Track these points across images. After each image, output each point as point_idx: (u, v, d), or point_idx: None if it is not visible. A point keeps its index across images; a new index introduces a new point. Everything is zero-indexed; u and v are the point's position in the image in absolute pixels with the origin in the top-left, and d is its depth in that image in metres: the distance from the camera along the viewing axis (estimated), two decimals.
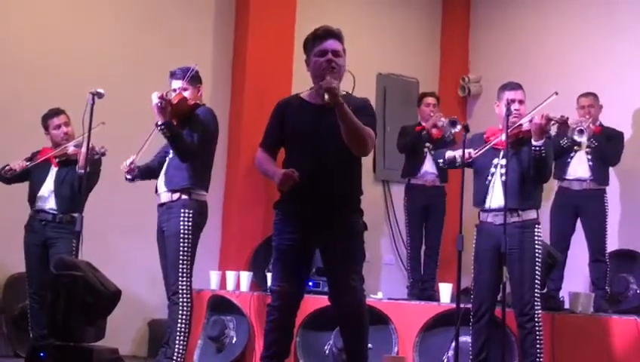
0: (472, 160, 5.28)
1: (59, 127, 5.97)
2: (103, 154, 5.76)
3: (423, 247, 7.52)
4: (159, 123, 5.11)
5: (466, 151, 5.20)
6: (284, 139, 4.40)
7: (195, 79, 5.44)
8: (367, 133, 4.22)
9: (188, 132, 5.24)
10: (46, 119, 6.02)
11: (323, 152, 4.23)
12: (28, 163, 5.92)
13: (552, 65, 8.20)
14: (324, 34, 4.30)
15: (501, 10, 9.09)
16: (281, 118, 4.42)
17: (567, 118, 5.06)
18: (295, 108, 4.40)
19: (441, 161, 5.49)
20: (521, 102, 5.23)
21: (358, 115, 4.19)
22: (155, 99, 5.09)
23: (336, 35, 4.33)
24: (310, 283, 6.43)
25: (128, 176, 5.47)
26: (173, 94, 5.25)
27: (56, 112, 6.00)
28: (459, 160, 5.25)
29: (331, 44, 4.29)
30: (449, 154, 5.36)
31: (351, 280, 4.30)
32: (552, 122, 5.03)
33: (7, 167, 5.91)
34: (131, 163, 5.43)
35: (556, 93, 4.98)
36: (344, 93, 4.27)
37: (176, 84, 5.37)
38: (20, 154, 6.20)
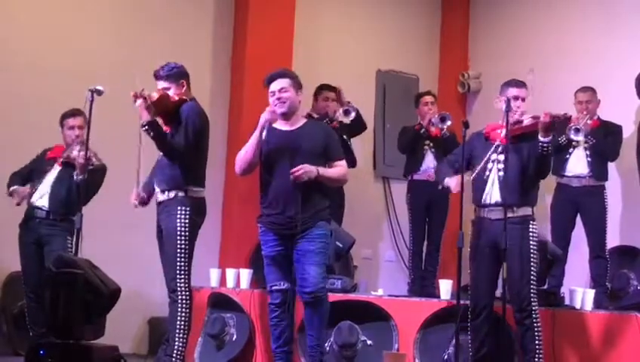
0: (470, 160, 5.35)
1: (72, 128, 5.98)
2: (92, 165, 5.74)
3: (425, 243, 7.53)
4: (142, 123, 5.10)
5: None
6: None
7: (176, 75, 5.38)
8: (341, 175, 5.27)
9: (174, 129, 5.21)
10: (63, 118, 6.05)
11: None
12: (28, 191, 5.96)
13: (552, 61, 8.19)
14: (269, 79, 5.25)
15: (501, 7, 9.08)
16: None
17: (571, 116, 5.07)
18: (269, 135, 5.15)
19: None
20: (523, 99, 5.24)
21: (329, 149, 5.17)
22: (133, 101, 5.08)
23: (281, 75, 5.26)
24: None
25: (137, 205, 5.49)
26: (153, 93, 5.20)
27: (73, 113, 6.00)
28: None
29: (275, 84, 5.21)
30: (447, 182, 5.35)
31: (314, 275, 5.05)
32: (557, 119, 5.02)
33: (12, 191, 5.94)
34: (137, 195, 5.45)
35: (531, 70, 5.19)
36: (305, 120, 5.36)
37: (160, 84, 5.35)
38: (20, 153, 6.20)
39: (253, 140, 5.15)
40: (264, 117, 5.11)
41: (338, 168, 5.24)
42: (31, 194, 5.95)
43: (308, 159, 5.07)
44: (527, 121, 5.14)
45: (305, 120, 5.39)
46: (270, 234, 5.13)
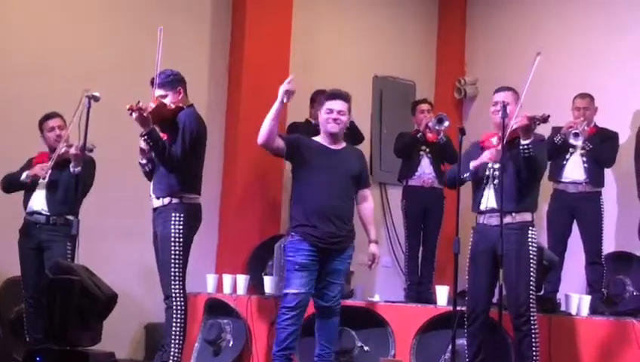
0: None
1: (52, 129, 6.00)
2: (91, 150, 5.73)
3: (421, 249, 7.53)
4: (141, 133, 5.12)
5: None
6: (290, 152, 5.33)
7: (173, 82, 5.39)
8: (373, 213, 5.60)
9: (172, 138, 5.22)
10: (41, 122, 6.06)
11: (334, 188, 5.29)
12: (48, 166, 5.87)
13: (549, 67, 8.16)
14: (332, 95, 5.41)
15: (497, 13, 9.10)
16: (297, 142, 5.41)
17: (549, 116, 5.06)
18: (313, 148, 5.37)
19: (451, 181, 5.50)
20: (508, 104, 5.21)
21: (362, 175, 5.49)
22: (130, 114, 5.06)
23: (344, 97, 5.41)
24: None
25: (143, 161, 5.34)
26: (150, 103, 5.20)
27: (51, 115, 6.04)
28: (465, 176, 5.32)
29: (337, 104, 5.36)
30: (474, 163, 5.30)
31: (336, 293, 5.39)
32: (535, 120, 5.03)
33: (28, 174, 5.88)
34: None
35: (538, 54, 5.14)
36: (344, 143, 5.51)
37: (156, 92, 5.35)
38: (17, 157, 6.19)
39: (273, 112, 5.18)
40: (284, 88, 5.17)
41: (371, 208, 5.56)
42: (27, 201, 5.94)
43: (347, 179, 5.39)
44: (515, 126, 5.14)
45: (344, 143, 5.55)
46: (305, 244, 5.24)
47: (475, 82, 9.11)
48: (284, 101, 5.17)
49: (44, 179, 5.87)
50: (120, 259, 6.87)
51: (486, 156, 5.23)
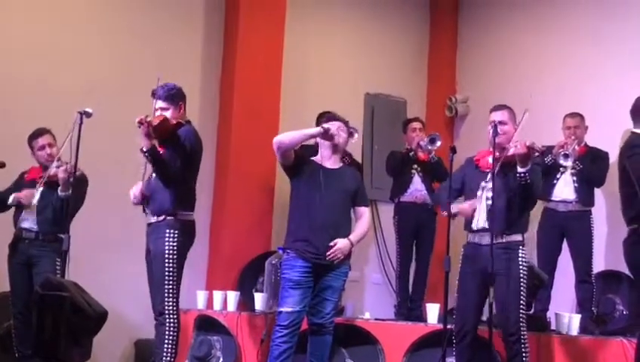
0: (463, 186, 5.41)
1: (43, 147, 5.94)
2: (78, 176, 5.69)
3: (412, 266, 7.53)
4: (143, 149, 5.10)
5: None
6: (296, 162, 5.49)
7: (176, 97, 5.37)
8: (367, 228, 5.65)
9: (169, 153, 5.22)
10: (31, 139, 6.00)
11: (332, 204, 5.41)
12: (35, 191, 5.84)
13: (540, 85, 8.24)
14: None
15: (488, 31, 9.14)
16: (303, 157, 5.57)
17: (544, 151, 5.10)
18: (313, 166, 5.53)
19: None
20: (502, 123, 5.25)
21: (358, 194, 5.60)
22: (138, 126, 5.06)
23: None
24: None
25: (135, 201, 5.40)
26: (154, 117, 5.21)
27: (40, 133, 5.97)
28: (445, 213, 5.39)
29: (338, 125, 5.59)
30: (455, 209, 5.35)
31: (329, 310, 5.45)
32: (534, 151, 5.04)
33: (15, 198, 5.85)
34: (141, 191, 5.35)
35: (526, 111, 5.16)
36: (341, 164, 5.67)
37: (158, 103, 5.34)
38: (10, 169, 6.18)
39: (309, 133, 5.53)
40: (333, 127, 5.52)
41: (364, 222, 5.62)
42: (17, 216, 5.92)
43: (344, 196, 5.52)
44: (512, 150, 5.14)
45: (341, 163, 5.71)
46: (300, 261, 5.35)
47: (466, 100, 9.14)
48: (321, 135, 5.50)
49: (28, 206, 5.82)
50: (110, 274, 6.84)
51: (464, 207, 5.28)
